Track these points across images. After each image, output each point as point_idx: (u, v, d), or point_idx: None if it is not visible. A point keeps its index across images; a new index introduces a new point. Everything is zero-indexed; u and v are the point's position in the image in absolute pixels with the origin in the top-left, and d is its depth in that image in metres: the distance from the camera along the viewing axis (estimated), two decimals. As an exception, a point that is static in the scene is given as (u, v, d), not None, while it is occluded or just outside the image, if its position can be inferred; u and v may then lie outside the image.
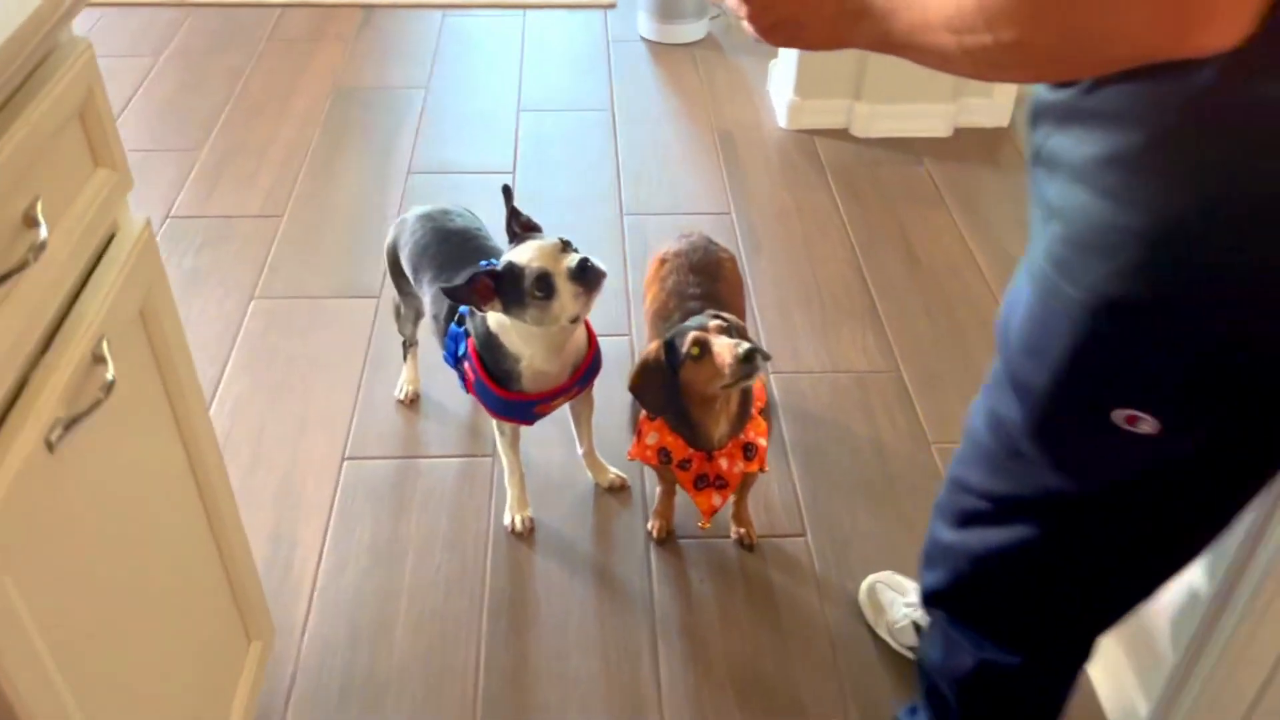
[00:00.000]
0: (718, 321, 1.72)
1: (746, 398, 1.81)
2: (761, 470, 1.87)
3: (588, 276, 1.68)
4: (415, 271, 2.05)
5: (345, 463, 2.24)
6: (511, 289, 1.70)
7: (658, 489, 2.07)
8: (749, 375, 1.64)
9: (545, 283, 1.68)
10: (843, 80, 3.33)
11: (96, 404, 1.06)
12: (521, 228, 1.81)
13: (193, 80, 3.63)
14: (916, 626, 1.85)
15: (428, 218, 2.09)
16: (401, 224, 2.13)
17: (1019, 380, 1.06)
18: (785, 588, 2.01)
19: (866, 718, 1.79)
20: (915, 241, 2.92)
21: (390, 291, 2.30)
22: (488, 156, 3.26)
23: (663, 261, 2.05)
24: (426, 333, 2.30)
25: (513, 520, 2.10)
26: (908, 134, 3.37)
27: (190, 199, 3.04)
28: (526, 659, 1.88)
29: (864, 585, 1.97)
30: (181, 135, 3.33)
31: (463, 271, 1.94)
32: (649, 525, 2.07)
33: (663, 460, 1.85)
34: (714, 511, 1.86)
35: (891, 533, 2.11)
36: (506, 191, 1.82)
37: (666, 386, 1.73)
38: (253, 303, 2.65)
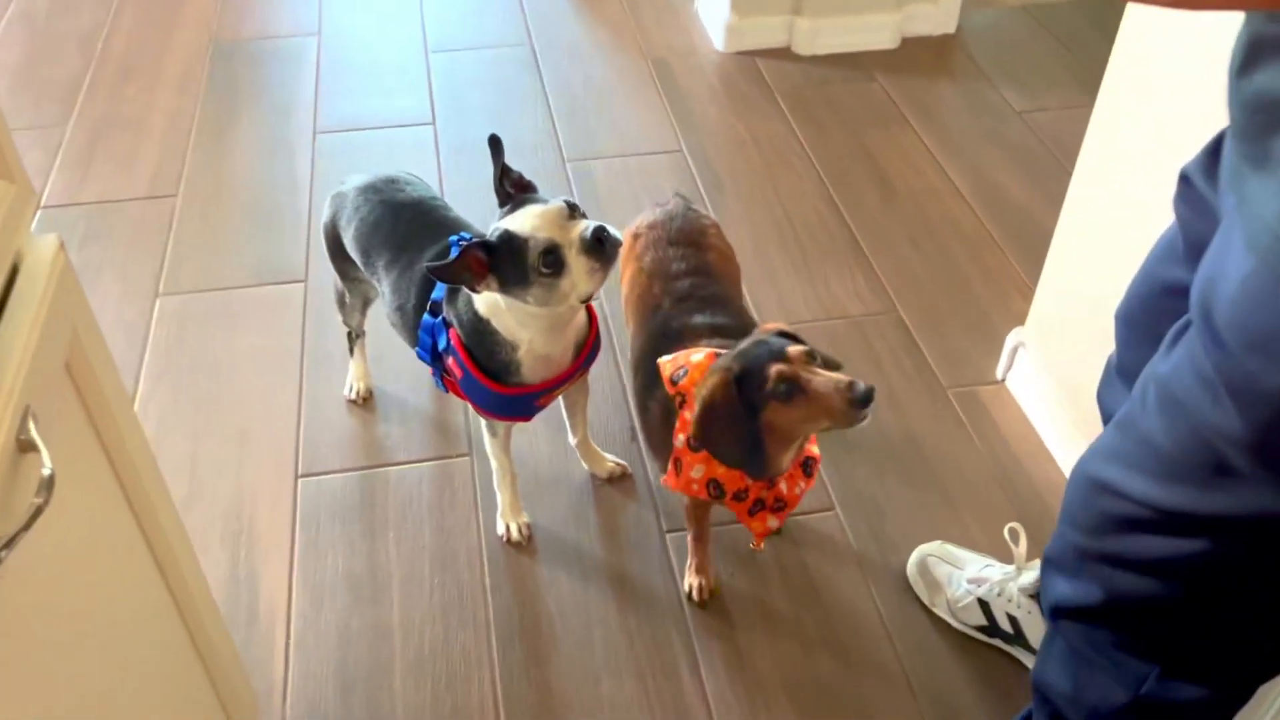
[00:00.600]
0: (799, 347, 1.39)
1: None
2: None
3: (604, 249, 1.41)
4: (366, 255, 1.74)
5: (300, 481, 1.93)
6: (511, 264, 1.42)
7: (688, 536, 1.74)
8: (864, 418, 1.34)
9: (553, 256, 1.40)
10: (781, -6, 3.07)
11: (36, 512, 0.76)
12: (515, 187, 1.52)
13: (42, 47, 3.16)
14: (982, 604, 1.66)
15: (372, 189, 1.77)
16: (340, 199, 1.81)
17: (1240, 382, 0.83)
18: (823, 571, 1.80)
19: (942, 715, 1.61)
20: (885, 165, 2.70)
21: (328, 274, 1.97)
22: (402, 107, 2.91)
23: (636, 236, 1.77)
24: (378, 320, 2.00)
25: (508, 529, 1.83)
26: (853, 48, 3.14)
27: (62, 185, 2.62)
28: (551, 689, 1.64)
29: (913, 559, 1.78)
30: (38, 111, 2.88)
31: (429, 249, 1.64)
32: (686, 585, 1.76)
33: (714, 495, 1.53)
34: (768, 534, 1.59)
35: (927, 497, 1.91)
36: (495, 143, 1.51)
37: (747, 434, 1.39)
38: (158, 301, 2.29)
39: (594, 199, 2.58)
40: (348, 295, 1.93)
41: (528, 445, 1.99)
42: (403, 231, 1.70)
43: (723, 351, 1.47)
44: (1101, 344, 1.70)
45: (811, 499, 1.90)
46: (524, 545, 1.83)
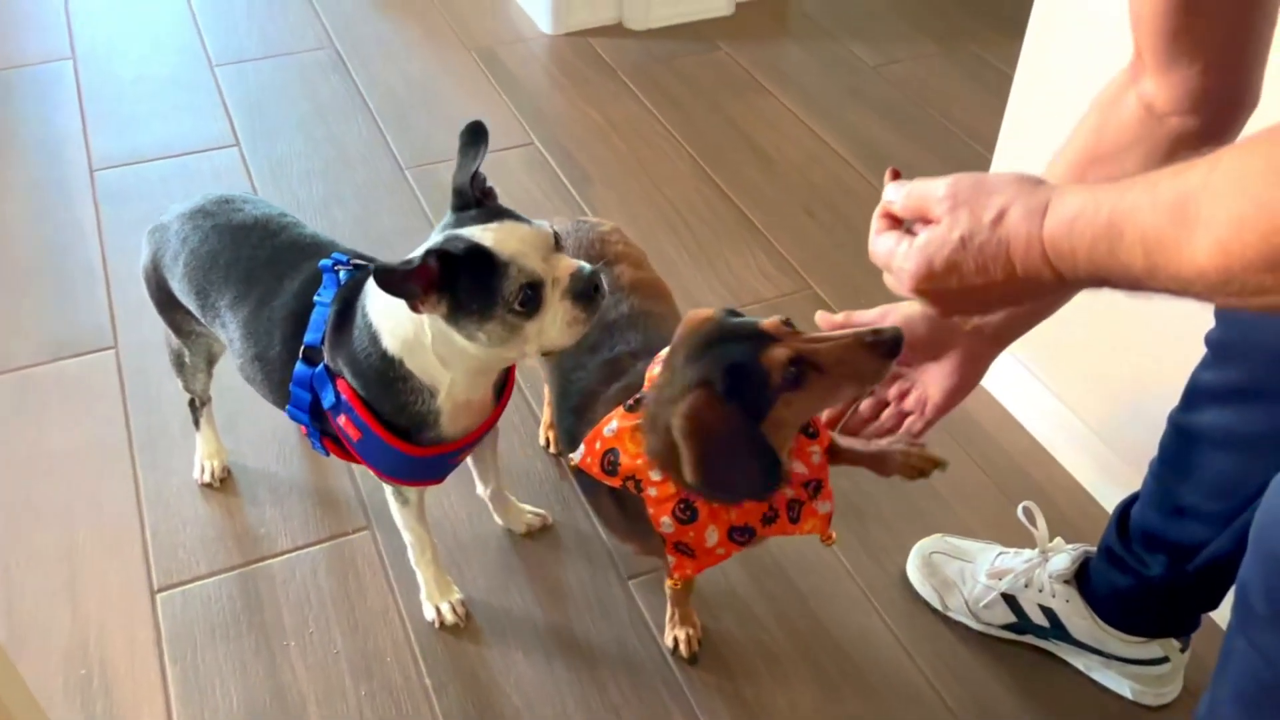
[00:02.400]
0: (773, 320, 1.08)
1: None
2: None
3: (594, 300, 1.12)
4: (203, 295, 1.36)
5: (158, 597, 1.52)
6: (475, 288, 1.09)
7: (667, 588, 1.44)
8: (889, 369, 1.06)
9: (534, 293, 1.10)
10: (607, -34, 2.82)
11: None
12: (481, 194, 1.18)
13: None
14: (1008, 599, 1.45)
15: (201, 214, 1.40)
16: (160, 232, 1.42)
17: None
18: (819, 592, 1.56)
19: (995, 731, 1.40)
20: (755, 136, 2.49)
21: (143, 333, 1.57)
22: (194, 130, 2.47)
23: None
24: (226, 382, 1.62)
25: (438, 611, 1.49)
26: (689, 18, 2.92)
27: None
28: (535, 803, 1.32)
29: (913, 560, 1.56)
30: None
31: (290, 278, 1.30)
32: (669, 639, 1.47)
33: (744, 541, 1.19)
34: (829, 520, 1.24)
35: (905, 491, 1.68)
36: (478, 131, 1.18)
37: (759, 448, 1.07)
38: (-78, 398, 1.80)
39: (444, 204, 2.24)
40: (186, 354, 1.53)
41: (436, 504, 1.65)
42: (248, 260, 1.33)
43: (639, 396, 1.15)
44: (1079, 306, 1.54)
45: (781, 511, 1.65)
46: (462, 627, 1.49)
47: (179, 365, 1.56)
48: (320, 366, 1.26)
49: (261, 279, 1.33)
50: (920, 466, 1.22)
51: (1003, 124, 1.77)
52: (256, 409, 1.76)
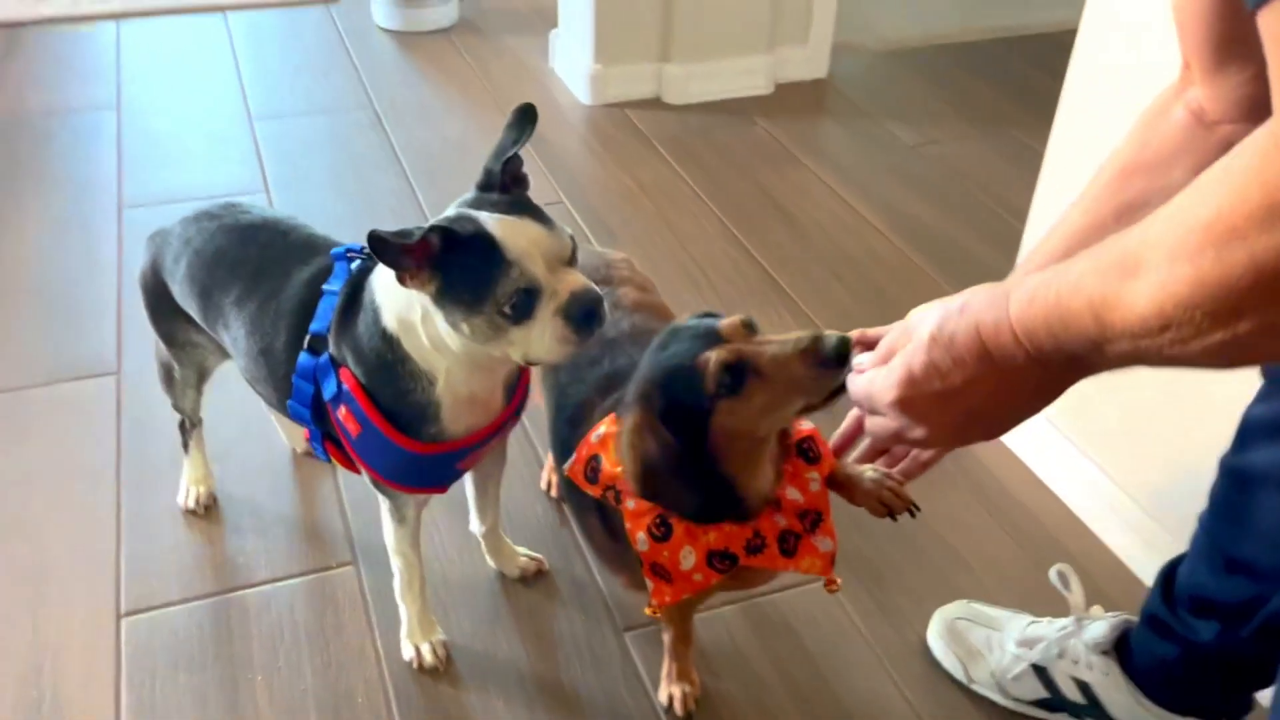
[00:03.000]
0: (730, 320, 0.99)
1: None
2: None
3: (590, 327, 1.04)
4: (206, 296, 1.30)
5: (124, 622, 1.43)
6: (469, 275, 1.01)
7: (664, 636, 1.33)
8: (843, 384, 0.89)
9: (528, 301, 1.01)
10: (647, 41, 2.83)
11: None
12: (511, 180, 1.09)
13: None
14: (1039, 671, 1.32)
15: (206, 216, 1.35)
16: (161, 237, 1.38)
17: None
18: (827, 657, 1.43)
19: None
20: (786, 203, 2.44)
21: (147, 360, 1.52)
22: (227, 176, 2.47)
23: None
24: (218, 406, 1.56)
25: (418, 651, 1.39)
26: (727, 94, 2.91)
27: None
28: None
29: (934, 627, 1.43)
30: None
31: (298, 271, 1.24)
32: (664, 696, 1.35)
33: (724, 568, 1.08)
34: (833, 559, 1.13)
35: (929, 556, 1.58)
36: (525, 113, 1.09)
37: (691, 464, 1.00)
38: (-85, 413, 1.76)
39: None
40: (176, 368, 1.47)
41: (427, 540, 1.55)
42: (256, 257, 1.28)
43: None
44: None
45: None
46: (441, 670, 1.38)
47: (168, 381, 1.50)
48: (324, 356, 1.18)
49: (270, 274, 1.26)
50: (890, 504, 1.12)
51: (1034, 196, 1.70)
52: (251, 441, 1.71)
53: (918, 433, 0.74)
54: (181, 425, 1.57)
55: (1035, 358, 0.65)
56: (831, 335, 0.91)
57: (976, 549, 1.58)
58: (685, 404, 0.97)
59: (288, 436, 1.70)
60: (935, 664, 1.41)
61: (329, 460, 1.29)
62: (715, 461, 1.01)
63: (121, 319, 1.97)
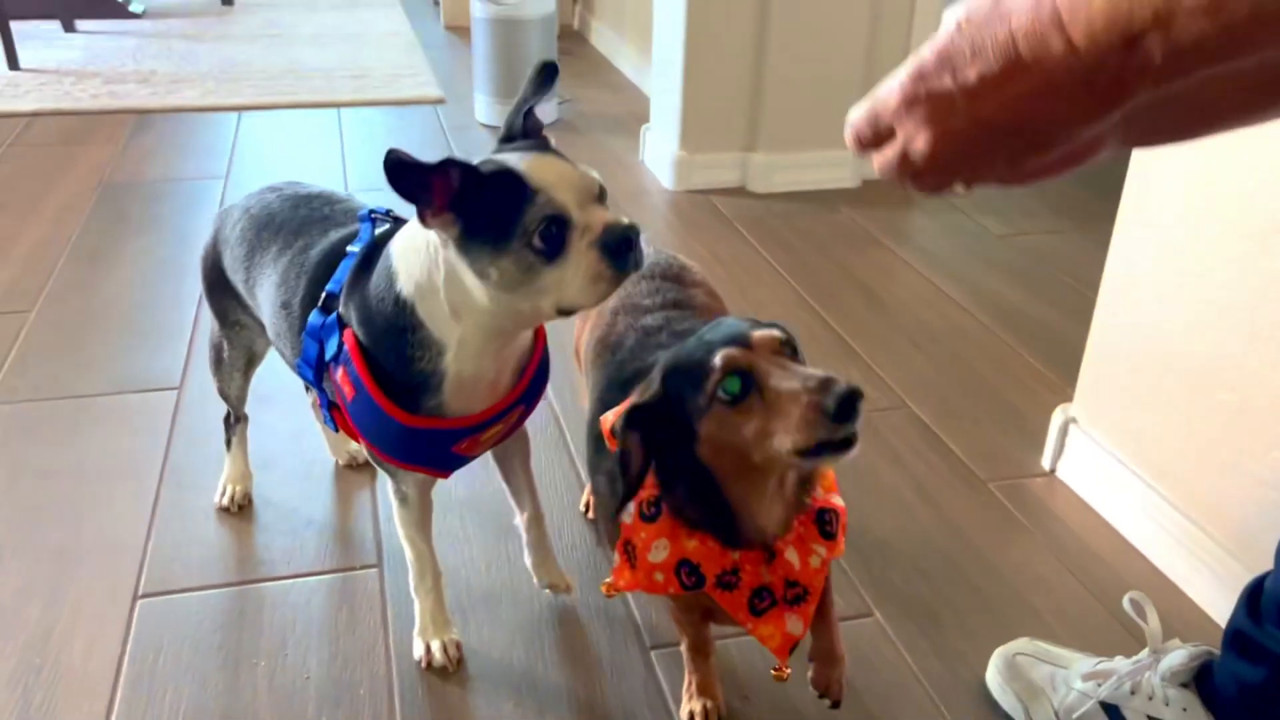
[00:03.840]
0: (767, 332, 0.93)
1: None
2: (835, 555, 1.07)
3: (629, 258, 0.99)
4: (250, 256, 1.31)
5: (139, 603, 1.39)
6: (492, 212, 0.98)
7: (683, 649, 1.24)
8: (845, 444, 0.85)
9: (557, 231, 0.97)
10: (734, 131, 2.87)
11: None
12: (532, 132, 1.09)
13: (-94, 189, 2.79)
14: (1109, 710, 1.16)
15: (269, 189, 1.38)
16: (226, 212, 1.41)
17: None
18: (875, 690, 1.29)
19: None
20: (867, 280, 2.39)
21: (208, 380, 1.54)
22: (315, 236, 2.55)
23: None
24: (268, 420, 1.55)
25: (428, 649, 1.31)
26: (812, 185, 2.92)
27: (-109, 306, 2.17)
28: None
29: (995, 663, 1.28)
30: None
31: (334, 232, 1.24)
32: (684, 713, 1.24)
33: (689, 584, 1.01)
34: (794, 646, 1.04)
35: (990, 596, 1.45)
36: (544, 70, 1.09)
37: (673, 450, 0.96)
38: (-17, 410, 1.80)
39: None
40: (226, 348, 1.48)
41: (454, 550, 1.49)
42: (303, 219, 1.28)
43: None
44: (1175, 391, 1.33)
45: (840, 600, 1.42)
46: (451, 671, 1.30)
47: (217, 363, 1.50)
48: (333, 315, 1.17)
49: (308, 233, 1.26)
50: (829, 688, 1.13)
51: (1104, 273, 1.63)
52: (295, 453, 1.70)
53: (919, 143, 0.57)
54: (227, 419, 1.57)
55: (1073, 42, 0.51)
56: (842, 385, 0.84)
57: (1048, 597, 1.44)
58: (683, 397, 0.93)
59: (332, 449, 1.68)
60: (994, 706, 1.27)
61: (337, 430, 1.25)
62: (709, 471, 0.96)
63: (194, 344, 2.01)
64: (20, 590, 1.41)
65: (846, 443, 0.85)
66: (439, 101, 3.61)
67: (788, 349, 0.93)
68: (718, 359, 0.90)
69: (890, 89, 0.56)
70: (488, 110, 3.38)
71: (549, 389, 1.86)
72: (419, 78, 3.85)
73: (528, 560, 1.43)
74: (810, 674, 1.14)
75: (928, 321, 2.21)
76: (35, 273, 2.29)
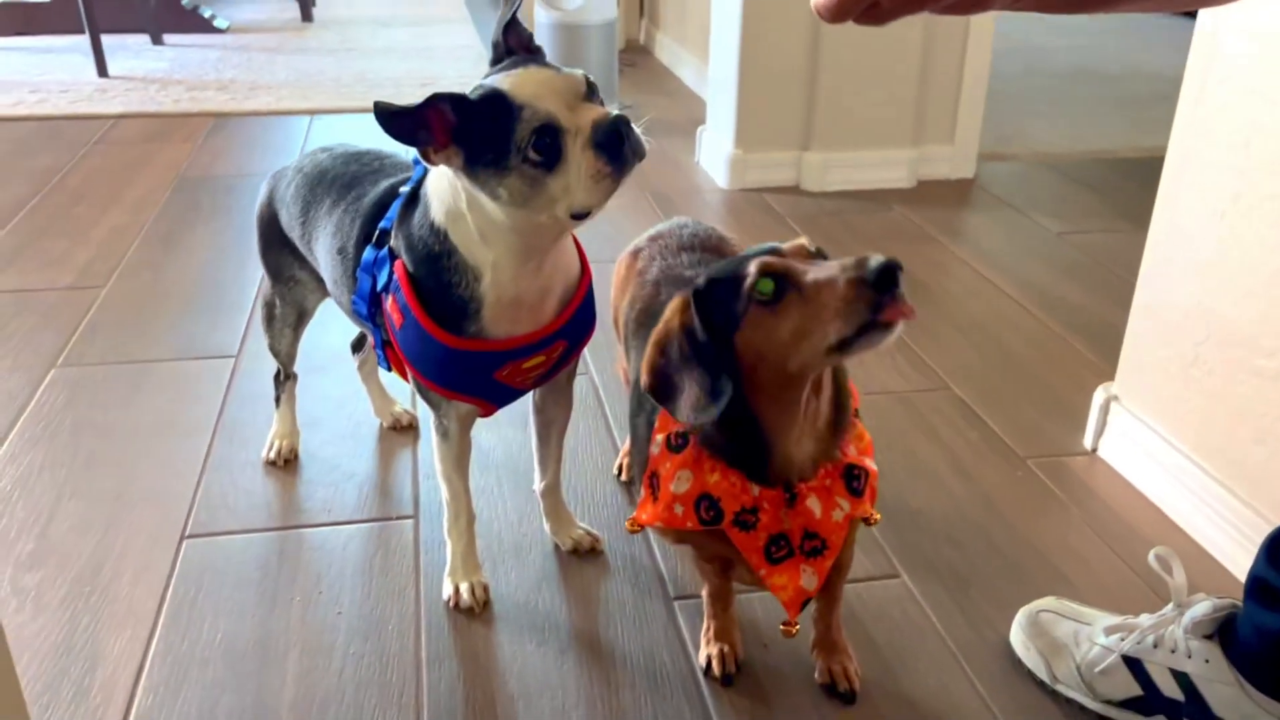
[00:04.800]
0: (795, 241, 0.97)
1: (843, 391, 1.05)
2: (869, 522, 1.08)
3: (621, 147, 1.02)
4: (305, 210, 1.37)
5: (185, 542, 1.45)
6: (488, 136, 1.02)
7: (704, 596, 1.25)
8: (891, 316, 0.85)
9: (550, 141, 1.01)
10: (788, 130, 2.89)
11: None
12: (520, 45, 1.14)
13: (-3, 181, 2.94)
14: (1131, 664, 1.15)
15: (321, 150, 1.44)
16: (280, 173, 1.47)
17: None
18: (897, 645, 1.29)
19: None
20: (917, 272, 2.38)
21: (264, 351, 1.61)
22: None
23: (636, 253, 1.40)
24: (316, 383, 1.61)
25: (457, 590, 1.34)
26: (867, 184, 2.92)
27: (-24, 281, 2.29)
28: (504, 795, 1.09)
29: (1019, 621, 1.27)
30: (-26, 228, 2.60)
31: (384, 184, 1.29)
32: (702, 657, 1.26)
33: (707, 519, 1.03)
34: (806, 600, 1.05)
35: (1021, 563, 1.43)
36: None
37: (710, 366, 0.96)
38: (52, 372, 1.88)
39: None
40: (278, 304, 1.54)
41: (488, 503, 1.53)
42: (355, 174, 1.34)
43: None
44: (1214, 360, 1.31)
45: (868, 563, 1.42)
46: (477, 612, 1.33)
47: (269, 319, 1.56)
48: (385, 249, 1.22)
49: (361, 184, 1.32)
50: (836, 678, 1.21)
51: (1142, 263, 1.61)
52: (342, 416, 1.75)
53: None
54: (276, 376, 1.63)
55: None
56: (877, 257, 0.86)
57: (1079, 566, 1.42)
58: (722, 309, 0.95)
59: (376, 410, 1.74)
60: (1017, 664, 1.25)
61: (389, 369, 1.29)
62: (744, 390, 0.97)
63: (252, 318, 2.08)
64: (75, 528, 1.48)
65: (888, 324, 0.85)
66: (503, 107, 3.70)
67: (819, 255, 0.96)
68: (752, 265, 0.93)
69: None
70: (549, 114, 3.45)
71: (589, 360, 1.90)
72: (485, 86, 3.94)
73: (547, 527, 1.46)
74: (816, 673, 1.19)
75: (974, 311, 2.19)
76: (110, 254, 2.40)
